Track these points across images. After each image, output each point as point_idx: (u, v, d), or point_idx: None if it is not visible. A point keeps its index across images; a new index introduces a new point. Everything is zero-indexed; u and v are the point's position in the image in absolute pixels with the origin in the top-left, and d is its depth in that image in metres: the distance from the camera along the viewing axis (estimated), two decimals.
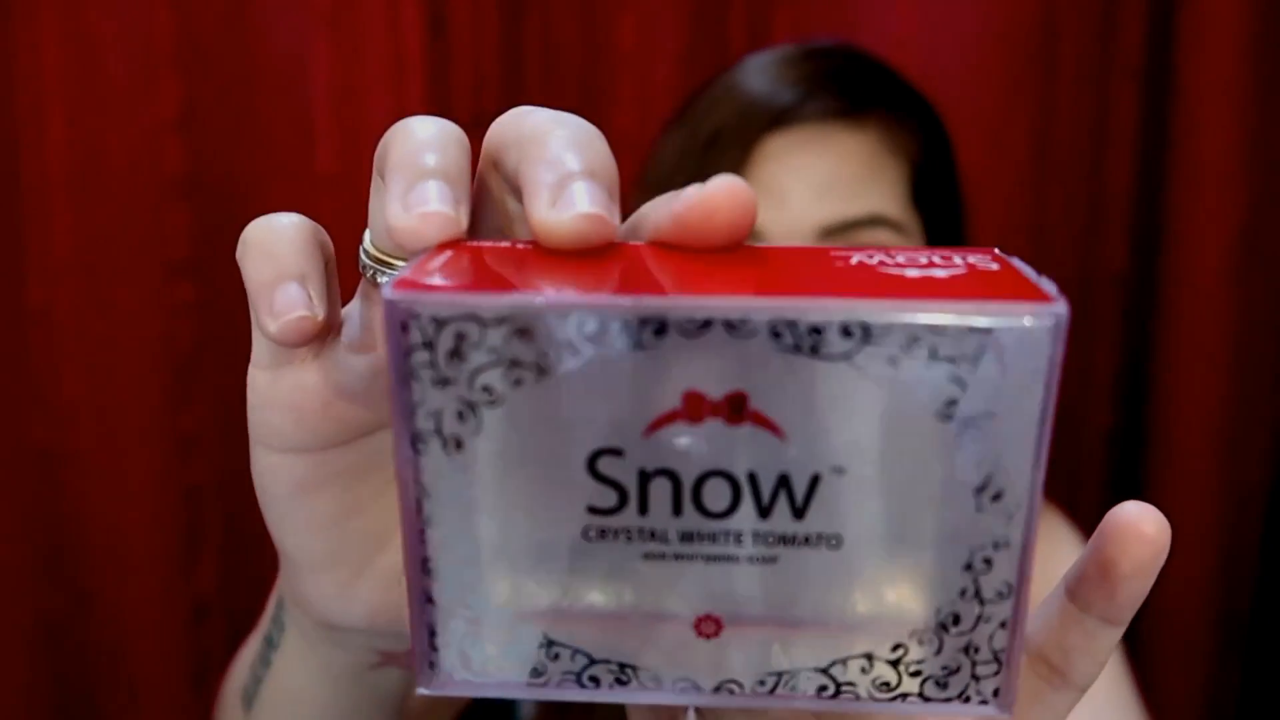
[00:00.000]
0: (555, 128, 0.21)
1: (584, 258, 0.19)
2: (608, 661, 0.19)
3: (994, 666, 0.19)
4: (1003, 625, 0.19)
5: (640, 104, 0.84)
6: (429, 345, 0.17)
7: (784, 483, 0.17)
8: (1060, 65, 0.81)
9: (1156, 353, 0.81)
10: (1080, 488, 0.87)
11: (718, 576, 0.18)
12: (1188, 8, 0.77)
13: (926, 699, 0.19)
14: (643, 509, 0.17)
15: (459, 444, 0.18)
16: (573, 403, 0.17)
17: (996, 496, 0.18)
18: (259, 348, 0.25)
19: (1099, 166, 0.83)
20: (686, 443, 0.17)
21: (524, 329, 0.17)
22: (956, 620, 0.19)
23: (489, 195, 0.24)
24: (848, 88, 0.55)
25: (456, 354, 0.17)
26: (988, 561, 0.18)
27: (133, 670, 0.88)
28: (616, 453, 0.17)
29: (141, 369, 0.85)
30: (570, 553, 0.18)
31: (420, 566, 0.19)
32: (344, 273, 0.26)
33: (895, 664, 0.19)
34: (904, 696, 0.19)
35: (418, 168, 0.21)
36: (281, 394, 0.24)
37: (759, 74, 0.56)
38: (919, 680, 0.19)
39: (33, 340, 0.85)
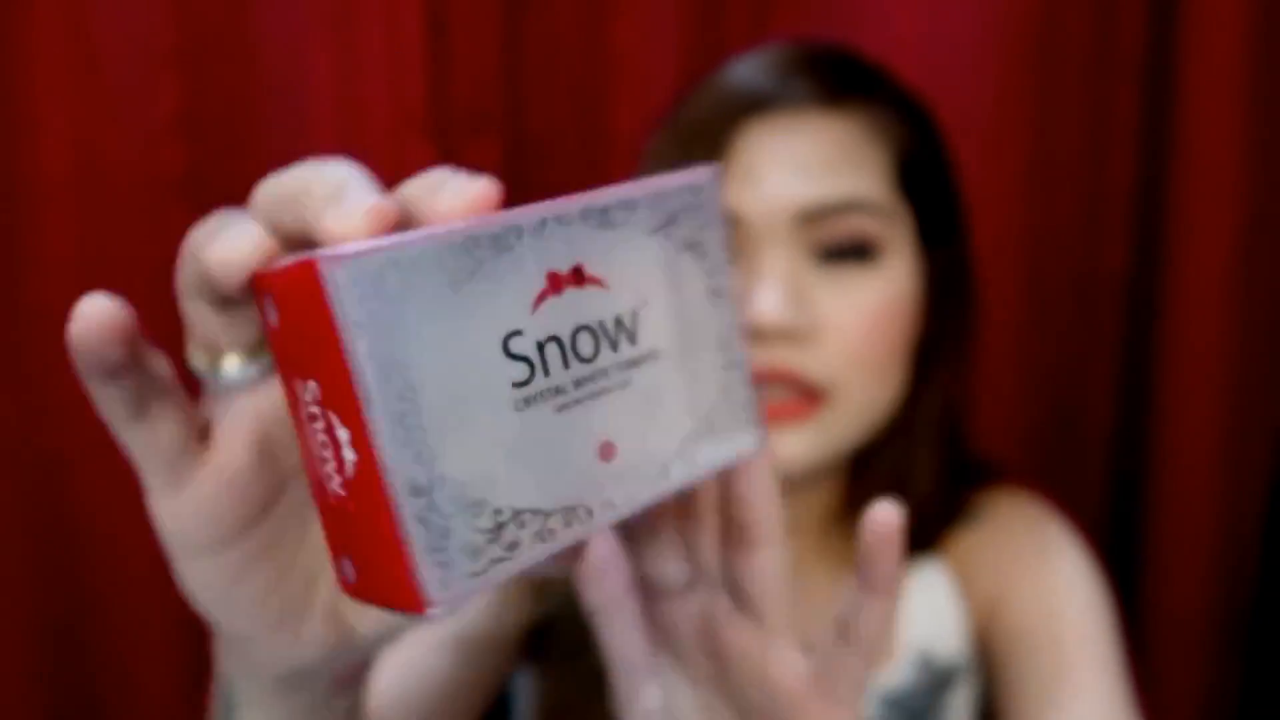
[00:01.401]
0: (304, 169, 0.24)
1: None
2: (551, 513, 0.23)
3: (746, 407, 0.27)
4: (743, 380, 0.27)
5: (640, 104, 0.84)
6: (360, 295, 0.20)
7: (619, 322, 0.24)
8: (1060, 65, 0.81)
9: (1157, 352, 0.81)
10: (1080, 488, 0.87)
11: (603, 407, 0.24)
12: (1188, 8, 0.77)
13: (728, 443, 0.27)
14: (546, 371, 0.23)
15: (401, 366, 0.21)
16: (481, 301, 0.21)
17: (723, 294, 0.26)
18: (150, 480, 0.26)
19: (1099, 166, 0.83)
20: (559, 312, 0.23)
21: (466, 244, 0.21)
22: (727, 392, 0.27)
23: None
24: (826, 74, 0.55)
25: (380, 294, 0.20)
26: (738, 354, 0.27)
27: (133, 670, 0.88)
28: (519, 333, 0.22)
29: None
30: (509, 428, 0.22)
31: (385, 476, 0.21)
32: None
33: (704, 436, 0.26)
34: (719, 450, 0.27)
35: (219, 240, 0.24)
36: (192, 506, 0.26)
37: (742, 67, 0.57)
38: (724, 440, 0.27)
39: (33, 340, 0.85)
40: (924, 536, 0.61)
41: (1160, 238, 0.80)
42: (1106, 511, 0.87)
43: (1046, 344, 0.85)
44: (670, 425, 0.25)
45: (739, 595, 0.34)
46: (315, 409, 0.21)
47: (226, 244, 0.23)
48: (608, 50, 0.85)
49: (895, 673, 0.60)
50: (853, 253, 0.53)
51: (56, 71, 0.82)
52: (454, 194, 0.22)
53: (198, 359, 0.26)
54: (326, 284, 0.20)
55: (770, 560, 0.33)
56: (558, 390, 0.23)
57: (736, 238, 0.54)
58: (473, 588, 0.22)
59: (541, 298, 0.22)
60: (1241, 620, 0.84)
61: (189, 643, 0.87)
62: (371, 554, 0.22)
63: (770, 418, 0.53)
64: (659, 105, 0.83)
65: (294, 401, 0.22)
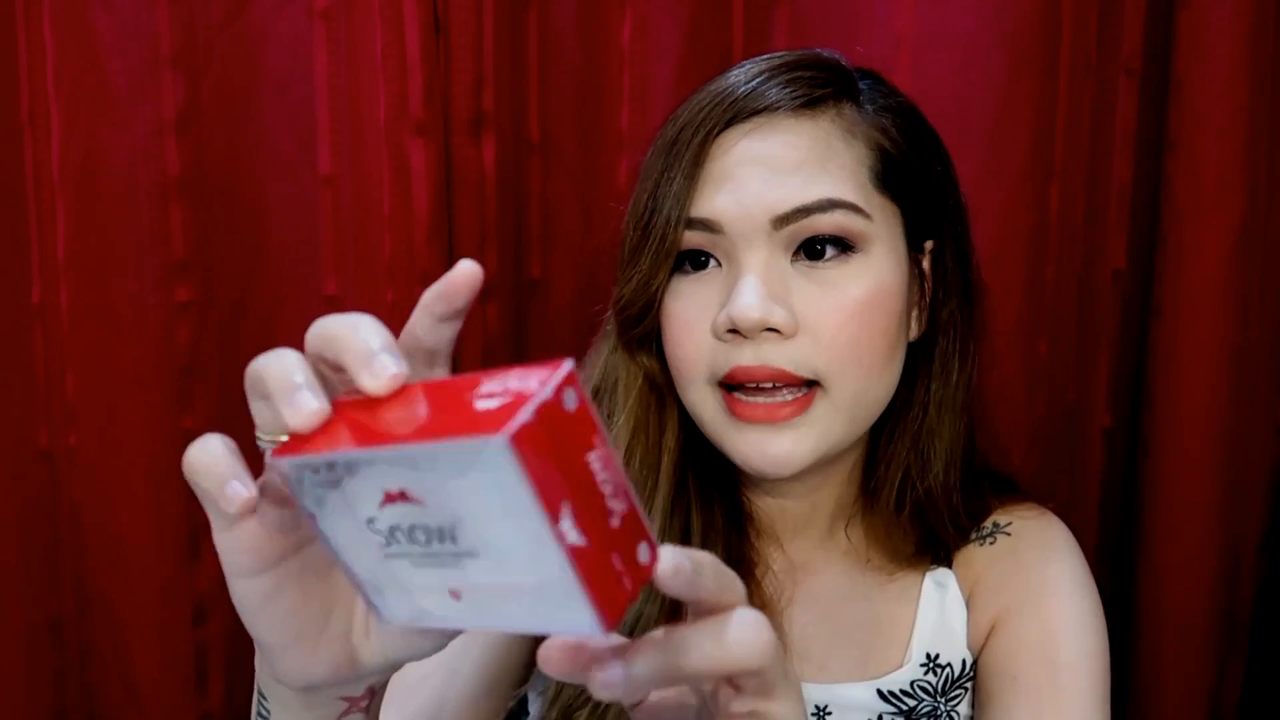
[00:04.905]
0: (351, 322, 0.34)
1: (373, 409, 0.34)
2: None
3: (571, 597, 0.31)
4: (562, 577, 0.31)
5: (640, 104, 0.84)
6: (299, 480, 0.35)
7: (440, 528, 0.33)
8: (1060, 65, 0.81)
9: (1156, 352, 0.81)
10: (1080, 487, 0.87)
11: (447, 571, 0.34)
12: (1188, 7, 0.77)
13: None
14: (392, 543, 0.34)
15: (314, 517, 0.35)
16: (350, 497, 0.34)
17: (520, 514, 0.31)
18: (215, 520, 0.36)
19: (1099, 166, 0.83)
20: (395, 520, 0.34)
21: (328, 465, 0.34)
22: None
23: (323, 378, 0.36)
24: (800, 79, 0.57)
25: (299, 483, 0.35)
26: (550, 557, 0.31)
27: (133, 670, 0.88)
28: (372, 520, 0.34)
29: (141, 369, 0.85)
30: (383, 566, 0.35)
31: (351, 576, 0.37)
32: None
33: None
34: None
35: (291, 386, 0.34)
36: (240, 542, 0.36)
37: (730, 76, 0.59)
38: (557, 615, 0.33)
39: (33, 340, 0.85)
40: (938, 538, 0.61)
41: (1159, 237, 0.80)
42: (1105, 511, 0.87)
43: (1046, 344, 0.85)
44: (503, 595, 0.33)
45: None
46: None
47: (301, 411, 0.34)
48: (608, 50, 0.85)
49: (903, 673, 0.60)
50: (832, 250, 0.55)
51: (56, 71, 0.82)
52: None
53: (261, 440, 0.36)
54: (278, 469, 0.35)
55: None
56: (404, 554, 0.34)
57: (717, 241, 0.55)
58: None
59: (385, 502, 0.33)
60: (1242, 620, 0.84)
61: (189, 641, 0.87)
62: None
63: (767, 418, 0.54)
64: (659, 105, 0.83)
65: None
